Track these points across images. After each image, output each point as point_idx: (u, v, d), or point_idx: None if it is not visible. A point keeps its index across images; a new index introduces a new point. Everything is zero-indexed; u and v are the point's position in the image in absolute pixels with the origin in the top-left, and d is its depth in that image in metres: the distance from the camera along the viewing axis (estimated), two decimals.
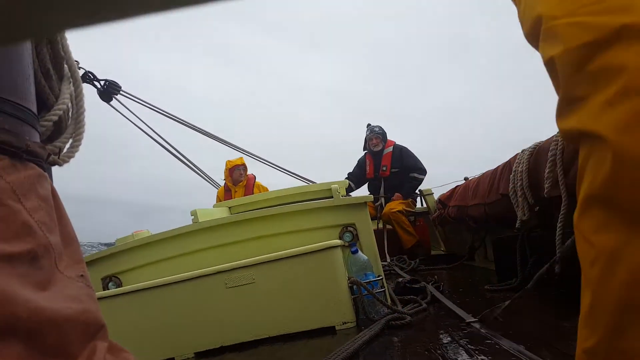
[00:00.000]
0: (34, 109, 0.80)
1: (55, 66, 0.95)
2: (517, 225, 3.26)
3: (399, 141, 7.91)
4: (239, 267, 2.99)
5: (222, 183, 8.31)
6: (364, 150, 8.04)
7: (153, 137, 7.16)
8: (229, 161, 8.04)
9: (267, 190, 7.89)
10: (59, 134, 0.95)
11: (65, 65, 0.99)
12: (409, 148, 7.78)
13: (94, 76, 6.05)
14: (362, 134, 8.04)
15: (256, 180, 8.22)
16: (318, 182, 6.13)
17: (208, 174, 8.38)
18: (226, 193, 7.96)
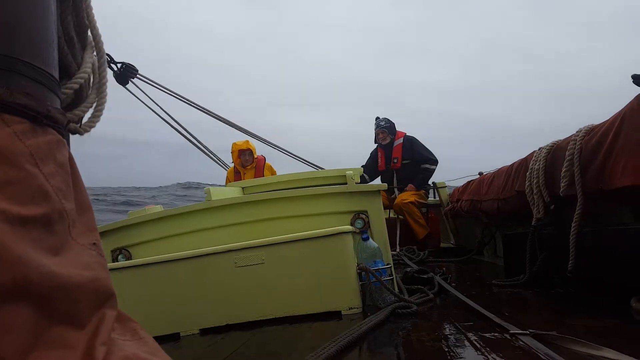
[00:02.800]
0: (56, 75, 0.80)
1: (79, 34, 0.95)
2: (533, 222, 3.25)
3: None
4: (249, 247, 3.00)
5: (231, 164, 8.29)
6: (374, 142, 8.01)
7: (166, 119, 7.15)
8: (234, 144, 7.99)
9: (276, 172, 7.87)
10: (80, 103, 0.95)
11: (90, 35, 0.99)
12: (418, 139, 7.77)
13: (111, 58, 6.03)
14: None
15: (266, 162, 8.19)
16: (328, 168, 6.12)
17: (218, 154, 8.37)
18: (236, 175, 7.93)
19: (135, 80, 6.35)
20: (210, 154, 8.12)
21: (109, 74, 5.94)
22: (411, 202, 7.10)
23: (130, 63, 6.22)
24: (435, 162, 7.58)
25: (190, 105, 7.27)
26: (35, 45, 0.75)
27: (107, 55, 5.85)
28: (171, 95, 6.98)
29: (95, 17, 0.98)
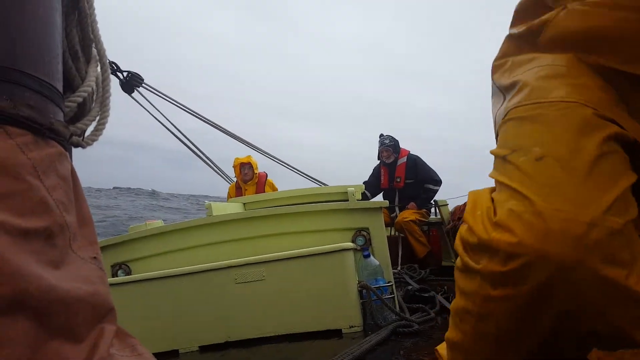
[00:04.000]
0: (60, 88, 0.81)
1: (83, 48, 0.96)
2: None
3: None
4: (250, 263, 2.99)
5: (234, 179, 8.31)
6: (378, 159, 7.98)
7: (171, 130, 7.19)
8: (236, 158, 8.02)
9: (277, 189, 7.87)
10: (83, 116, 0.95)
11: (94, 49, 1.00)
12: (422, 158, 7.73)
13: (117, 67, 6.09)
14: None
15: (268, 178, 8.19)
16: (332, 184, 6.12)
17: (221, 165, 8.41)
18: (237, 190, 7.93)
19: (141, 89, 6.41)
20: (213, 166, 8.15)
21: (115, 83, 5.97)
22: (412, 221, 7.08)
23: (136, 72, 6.27)
24: (439, 182, 7.54)
25: (195, 116, 7.31)
26: (39, 58, 0.75)
27: (114, 63, 5.92)
28: (176, 105, 7.03)
29: (100, 32, 0.98)
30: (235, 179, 8.18)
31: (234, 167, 8.00)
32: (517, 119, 1.30)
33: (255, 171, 7.97)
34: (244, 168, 7.90)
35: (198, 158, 7.81)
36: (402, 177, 7.60)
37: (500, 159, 1.27)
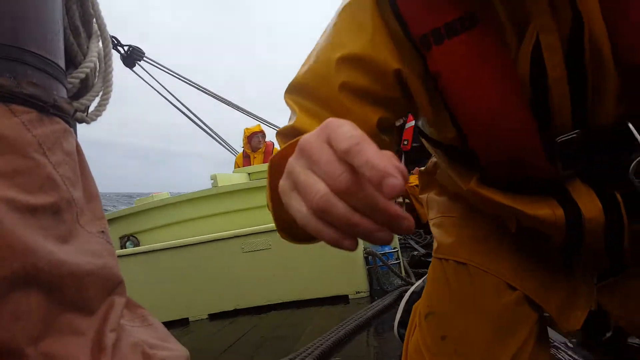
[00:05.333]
0: (63, 64, 0.81)
1: (84, 24, 0.96)
2: None
3: None
4: (256, 232, 3.01)
5: (240, 150, 8.34)
6: None
7: (174, 104, 7.18)
8: (247, 129, 8.05)
9: None
10: (86, 92, 0.96)
11: (95, 24, 0.99)
12: None
13: (118, 41, 6.05)
14: None
15: (275, 147, 8.22)
16: None
17: (226, 139, 8.43)
18: (245, 159, 7.98)
19: (142, 63, 6.37)
20: (218, 139, 8.16)
21: (116, 57, 5.94)
22: (417, 186, 7.07)
23: (137, 46, 6.23)
24: None
25: (198, 89, 7.28)
26: (41, 35, 0.75)
27: (115, 38, 5.88)
28: (178, 78, 7.00)
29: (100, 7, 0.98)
30: (242, 150, 8.22)
31: (246, 137, 8.03)
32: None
33: (265, 139, 8.04)
34: (257, 136, 7.95)
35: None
36: (410, 140, 7.57)
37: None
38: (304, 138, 0.53)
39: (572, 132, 0.83)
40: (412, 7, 0.85)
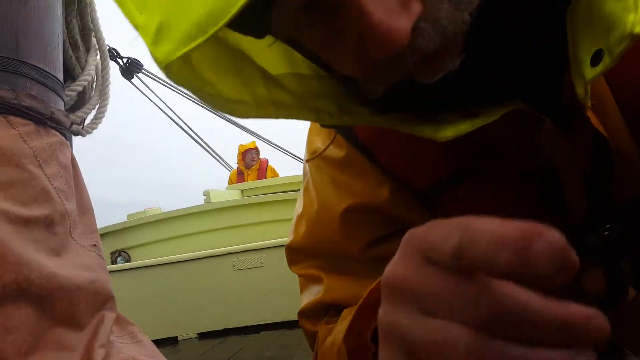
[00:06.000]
0: (61, 77, 0.81)
1: (83, 38, 0.96)
2: None
3: None
4: (248, 250, 3.00)
5: (234, 166, 8.36)
6: None
7: (171, 117, 7.19)
8: (241, 145, 8.08)
9: (278, 175, 7.91)
10: (83, 104, 0.96)
11: (93, 39, 1.00)
12: None
13: (117, 53, 6.05)
14: None
15: (269, 164, 8.23)
16: None
17: (222, 155, 8.44)
18: (239, 176, 7.99)
19: (140, 75, 6.38)
20: (214, 154, 8.17)
21: (115, 68, 5.93)
22: None
23: (136, 58, 6.24)
24: None
25: (195, 102, 7.29)
26: (41, 48, 0.76)
27: (114, 50, 5.88)
28: (175, 92, 7.01)
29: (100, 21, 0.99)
30: (236, 166, 8.24)
31: (240, 153, 8.05)
32: None
33: (259, 156, 8.06)
34: (251, 153, 7.97)
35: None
36: None
37: None
38: (388, 270, 0.35)
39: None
40: None
